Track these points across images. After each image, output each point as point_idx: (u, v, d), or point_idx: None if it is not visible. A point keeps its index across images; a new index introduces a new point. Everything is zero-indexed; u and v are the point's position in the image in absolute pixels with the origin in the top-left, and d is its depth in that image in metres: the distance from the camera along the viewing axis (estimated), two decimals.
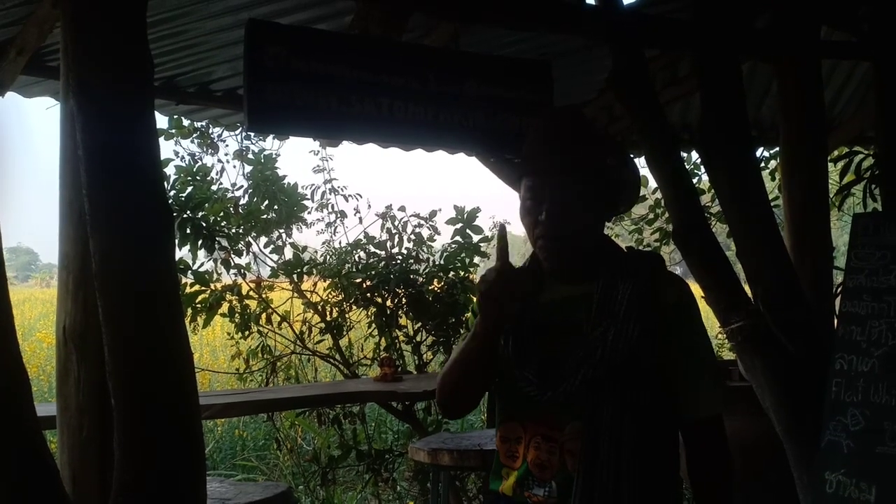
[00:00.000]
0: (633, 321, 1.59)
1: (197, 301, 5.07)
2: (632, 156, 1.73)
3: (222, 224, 5.20)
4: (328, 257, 5.72)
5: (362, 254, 5.66)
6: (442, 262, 5.67)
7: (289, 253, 5.61)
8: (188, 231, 4.88)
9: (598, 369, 1.57)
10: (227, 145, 5.51)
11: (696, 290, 3.24)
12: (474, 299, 5.58)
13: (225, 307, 5.23)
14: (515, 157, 1.75)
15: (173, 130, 5.27)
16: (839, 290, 3.17)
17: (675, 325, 1.64)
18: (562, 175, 1.63)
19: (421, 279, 5.55)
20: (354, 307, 5.56)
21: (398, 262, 5.58)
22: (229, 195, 5.38)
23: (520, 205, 1.70)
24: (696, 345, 1.67)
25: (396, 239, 5.67)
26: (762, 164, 5.54)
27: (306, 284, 5.61)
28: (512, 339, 1.69)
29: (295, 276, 5.46)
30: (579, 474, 1.57)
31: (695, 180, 5.39)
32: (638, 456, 1.57)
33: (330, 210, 5.79)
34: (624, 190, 1.72)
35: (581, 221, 1.65)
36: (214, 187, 5.34)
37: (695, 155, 5.64)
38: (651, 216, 6.26)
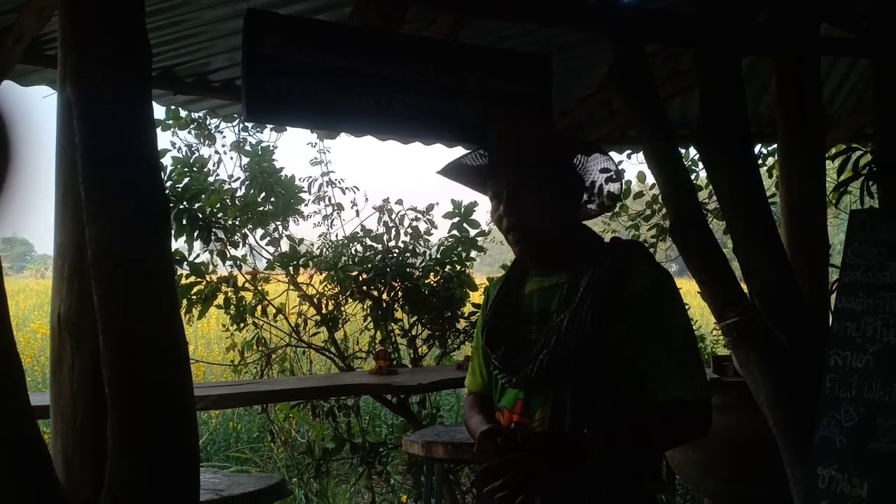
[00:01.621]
0: (588, 308, 1.62)
1: (192, 292, 5.07)
2: (609, 154, 1.75)
3: (218, 215, 5.18)
4: (324, 250, 5.70)
5: (359, 247, 5.66)
6: (438, 255, 5.67)
7: (285, 245, 5.60)
8: (184, 222, 4.88)
9: (552, 356, 1.62)
10: (224, 136, 5.51)
11: (693, 285, 3.26)
12: (471, 294, 5.59)
13: (220, 299, 5.23)
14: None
15: (170, 121, 5.25)
16: (835, 286, 3.18)
17: (643, 313, 1.64)
18: (511, 167, 1.70)
19: (417, 273, 5.55)
20: (350, 300, 5.57)
21: (395, 255, 5.58)
22: (226, 187, 5.37)
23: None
24: (667, 332, 1.65)
25: (393, 232, 5.67)
26: (760, 161, 5.54)
27: (302, 277, 5.61)
28: (487, 328, 1.78)
29: (291, 268, 5.46)
30: None
31: (692, 176, 5.39)
32: None
33: (327, 202, 5.80)
34: (586, 183, 1.76)
35: (537, 207, 1.69)
36: (211, 178, 5.33)
37: (693, 151, 5.64)
38: (648, 212, 6.26)
